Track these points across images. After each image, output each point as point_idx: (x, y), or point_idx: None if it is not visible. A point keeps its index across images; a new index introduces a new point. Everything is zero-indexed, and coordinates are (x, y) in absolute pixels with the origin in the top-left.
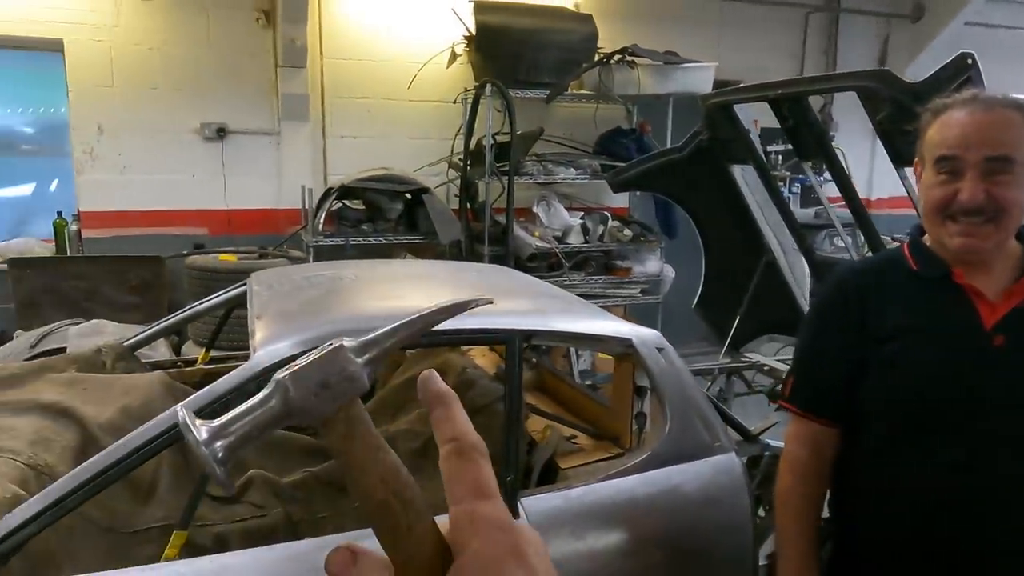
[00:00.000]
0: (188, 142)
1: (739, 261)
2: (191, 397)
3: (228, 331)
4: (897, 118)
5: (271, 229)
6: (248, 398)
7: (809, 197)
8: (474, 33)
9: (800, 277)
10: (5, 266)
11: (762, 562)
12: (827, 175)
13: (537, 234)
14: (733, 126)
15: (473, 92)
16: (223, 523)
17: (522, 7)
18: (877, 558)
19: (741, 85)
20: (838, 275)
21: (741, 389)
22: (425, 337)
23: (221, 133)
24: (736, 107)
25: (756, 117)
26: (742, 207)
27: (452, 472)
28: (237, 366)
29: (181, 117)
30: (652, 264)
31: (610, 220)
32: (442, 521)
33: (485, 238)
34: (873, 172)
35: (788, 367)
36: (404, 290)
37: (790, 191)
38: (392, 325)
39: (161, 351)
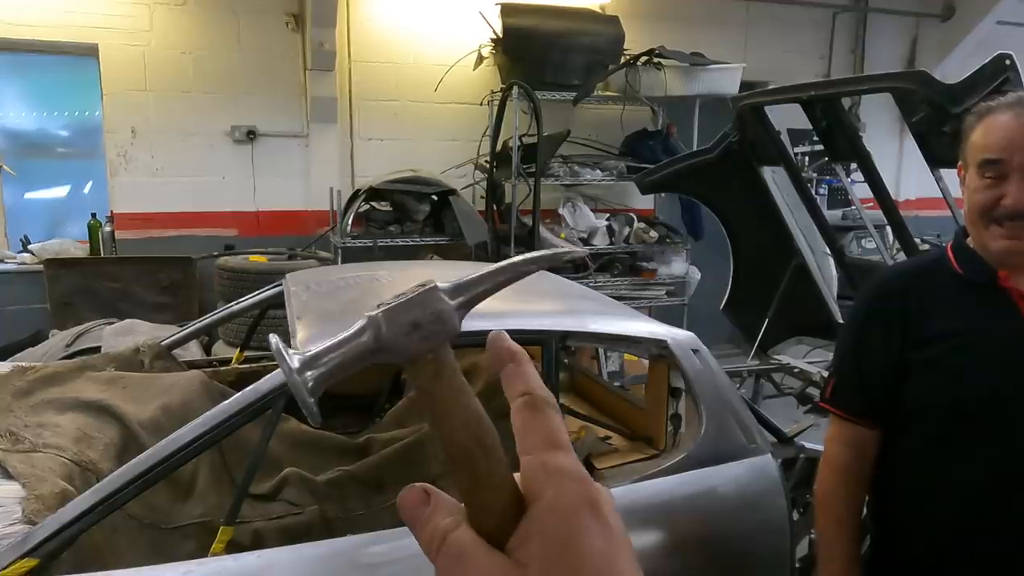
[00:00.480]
0: (219, 144)
1: (768, 263)
2: (237, 395)
3: (259, 332)
4: (933, 120)
5: (300, 230)
6: (290, 397)
7: (836, 199)
8: (501, 35)
9: (829, 279)
10: (41, 267)
11: (796, 565)
12: (854, 177)
13: (563, 236)
14: (764, 128)
15: (500, 94)
16: (260, 520)
17: (549, 9)
18: (919, 560)
19: (772, 87)
20: (881, 277)
21: (770, 391)
22: (462, 337)
23: (251, 136)
24: (767, 109)
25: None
26: (772, 209)
27: (524, 424)
28: (271, 365)
29: (212, 120)
30: (678, 266)
31: (636, 222)
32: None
33: (511, 239)
34: (900, 173)
35: (818, 369)
36: None
37: (817, 193)
38: (484, 271)
39: (192, 351)
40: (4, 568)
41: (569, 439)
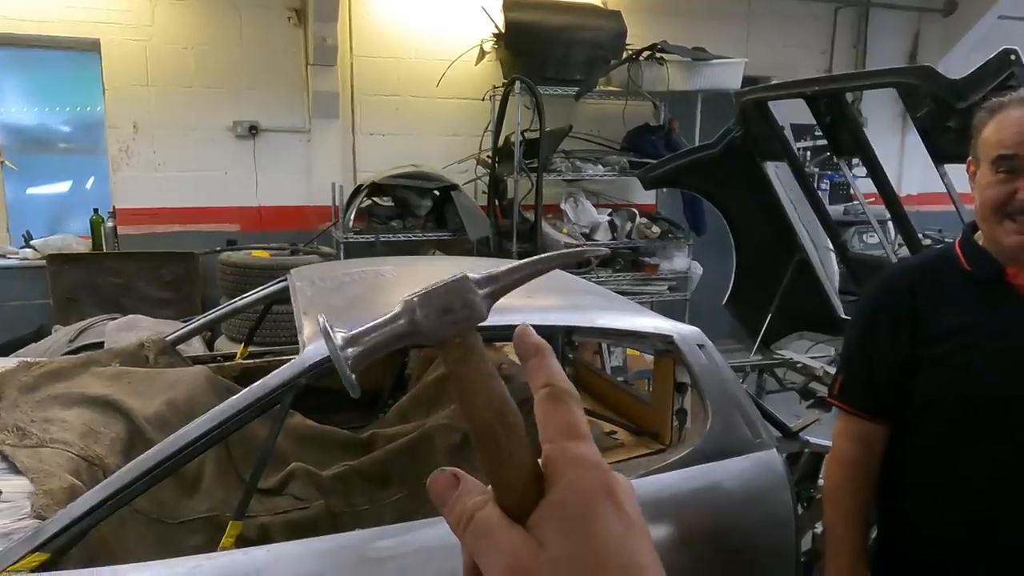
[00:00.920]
0: (221, 140)
1: (770, 258)
2: (245, 391)
3: (262, 327)
4: (938, 115)
5: (302, 226)
6: (297, 392)
7: (838, 194)
8: (503, 30)
9: (831, 275)
10: (44, 262)
11: (800, 559)
12: (856, 172)
13: (565, 231)
14: (768, 123)
15: (502, 89)
16: (267, 514)
17: (551, 4)
18: (926, 555)
19: (776, 82)
20: (888, 273)
21: (772, 386)
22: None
23: (253, 131)
24: (771, 104)
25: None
26: (775, 204)
27: (546, 414)
28: (276, 361)
29: (214, 115)
30: (680, 261)
31: (638, 217)
32: None
33: (514, 235)
34: (902, 168)
35: (820, 364)
36: None
37: (819, 188)
38: (512, 264)
39: (195, 346)
40: (15, 562)
41: (588, 429)
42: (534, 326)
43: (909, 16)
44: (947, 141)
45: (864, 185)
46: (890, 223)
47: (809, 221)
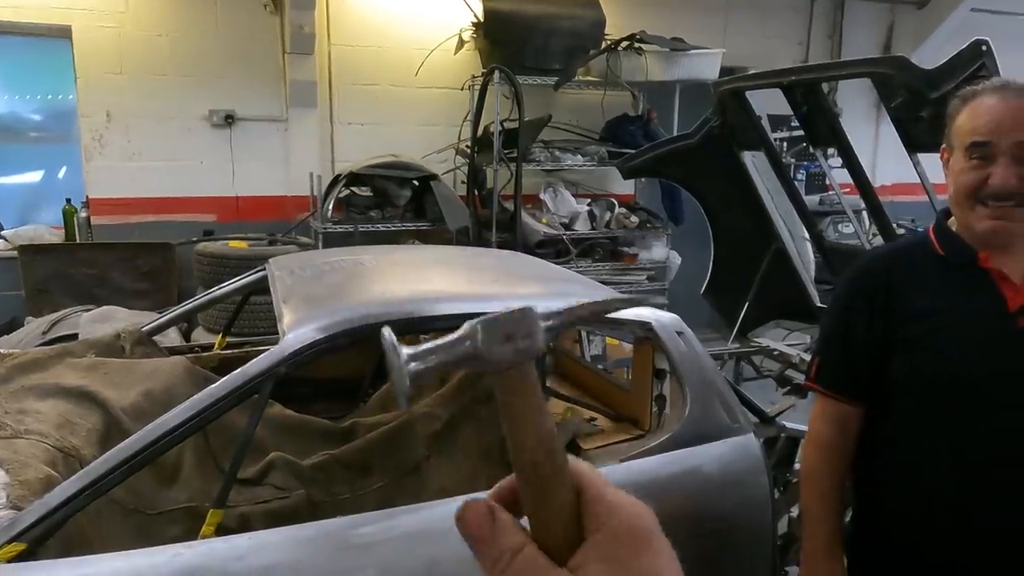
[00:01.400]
0: (196, 129)
1: (748, 247)
2: (224, 379)
3: (239, 317)
4: (911, 105)
5: (280, 216)
6: (277, 381)
7: (814, 184)
8: (482, 19)
9: (807, 264)
10: (15, 253)
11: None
12: (832, 163)
13: (544, 221)
14: (745, 113)
15: (481, 79)
16: (247, 504)
17: None
18: (900, 535)
19: (753, 72)
20: (865, 259)
21: (749, 374)
22: (451, 320)
23: (229, 120)
24: (748, 94)
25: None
26: (752, 194)
27: (575, 463)
28: (254, 351)
29: (189, 104)
30: (658, 251)
31: (616, 207)
32: None
33: (493, 225)
34: (876, 159)
35: (797, 352)
36: (425, 274)
37: (795, 178)
38: (571, 304)
39: (172, 337)
40: None
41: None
42: None
43: (883, 8)
44: (920, 130)
45: (839, 176)
46: (865, 213)
47: (785, 211)
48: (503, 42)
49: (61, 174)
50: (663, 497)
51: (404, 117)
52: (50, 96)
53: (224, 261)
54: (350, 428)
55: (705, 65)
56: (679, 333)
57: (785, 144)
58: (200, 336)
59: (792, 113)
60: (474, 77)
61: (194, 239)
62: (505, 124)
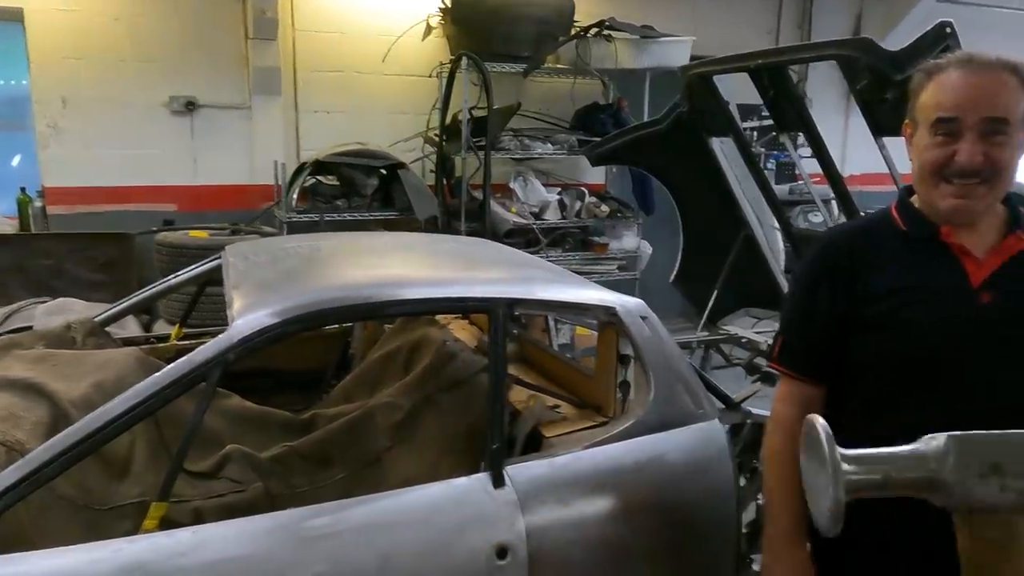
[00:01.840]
0: (156, 116)
1: (717, 235)
2: (170, 366)
3: (200, 308)
4: (877, 87)
5: (244, 205)
6: (225, 368)
7: (783, 174)
8: (449, 5)
9: (777, 252)
10: None
11: (743, 530)
12: (803, 152)
13: (514, 210)
14: (713, 98)
15: (449, 66)
16: (201, 498)
17: None
18: (863, 515)
19: (720, 56)
20: (827, 237)
21: (719, 362)
22: (413, 306)
23: (190, 107)
24: (716, 81)
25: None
26: (721, 181)
27: None
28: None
29: (149, 90)
30: (629, 240)
31: (587, 196)
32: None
33: (462, 214)
34: (846, 149)
35: (765, 339)
36: (382, 259)
37: (765, 167)
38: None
39: (131, 328)
40: None
41: None
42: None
43: None
44: (885, 113)
45: (809, 166)
46: (834, 203)
47: (754, 198)
48: (471, 28)
49: (15, 162)
50: (626, 485)
51: (371, 105)
52: (2, 82)
53: (184, 251)
54: (311, 420)
55: (675, 53)
56: (643, 318)
57: (755, 133)
58: (161, 328)
59: (761, 102)
60: (442, 64)
61: (154, 229)
62: (474, 112)
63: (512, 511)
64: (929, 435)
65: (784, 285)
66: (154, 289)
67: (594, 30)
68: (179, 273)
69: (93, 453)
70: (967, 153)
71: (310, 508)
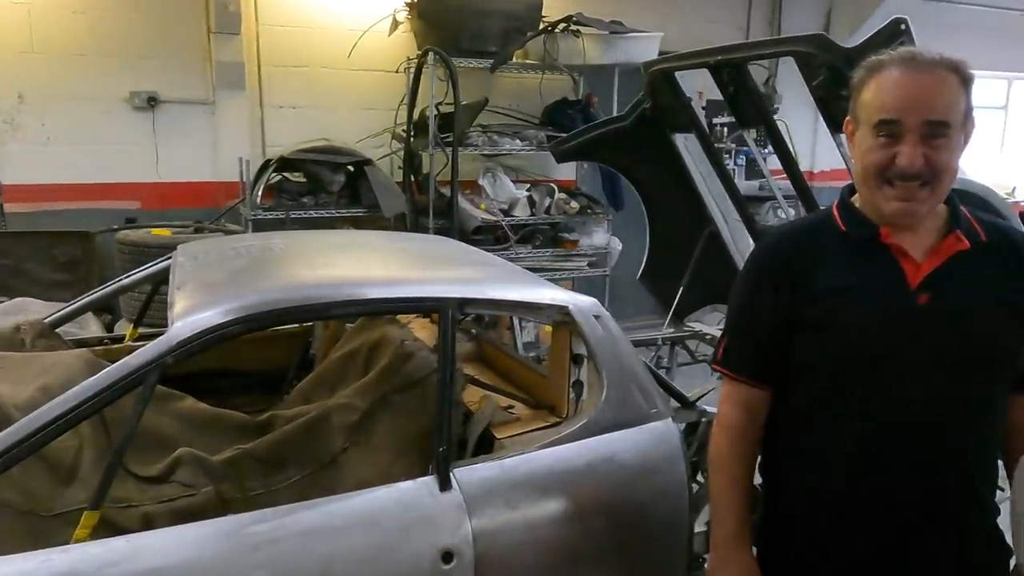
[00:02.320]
0: (117, 112)
1: (683, 231)
2: (105, 371)
3: (160, 307)
4: (833, 83)
5: (208, 203)
6: (164, 372)
7: (753, 170)
8: (416, 0)
9: (744, 248)
10: None
11: (700, 529)
12: (771, 148)
13: (483, 207)
14: (675, 94)
15: (415, 61)
16: (150, 503)
17: None
18: (808, 518)
19: (681, 52)
20: (769, 237)
21: (685, 359)
22: (359, 307)
23: (152, 102)
24: (680, 77)
25: (701, 89)
26: (685, 177)
27: None
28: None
29: (109, 85)
30: (599, 236)
31: (557, 192)
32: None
33: (430, 211)
34: (816, 144)
35: None
36: (333, 259)
37: (735, 163)
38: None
39: (92, 329)
40: None
41: None
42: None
43: None
44: (841, 110)
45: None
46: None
47: (719, 194)
48: (438, 23)
49: None
50: (577, 486)
51: (338, 100)
52: None
53: (146, 250)
54: (268, 421)
55: (643, 49)
56: (596, 316)
57: (726, 129)
58: (124, 328)
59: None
60: (409, 59)
61: (115, 227)
62: (441, 107)
63: (458, 514)
64: None
65: None
66: (107, 289)
67: (561, 25)
68: (132, 272)
69: (26, 459)
70: (908, 157)
71: (251, 514)
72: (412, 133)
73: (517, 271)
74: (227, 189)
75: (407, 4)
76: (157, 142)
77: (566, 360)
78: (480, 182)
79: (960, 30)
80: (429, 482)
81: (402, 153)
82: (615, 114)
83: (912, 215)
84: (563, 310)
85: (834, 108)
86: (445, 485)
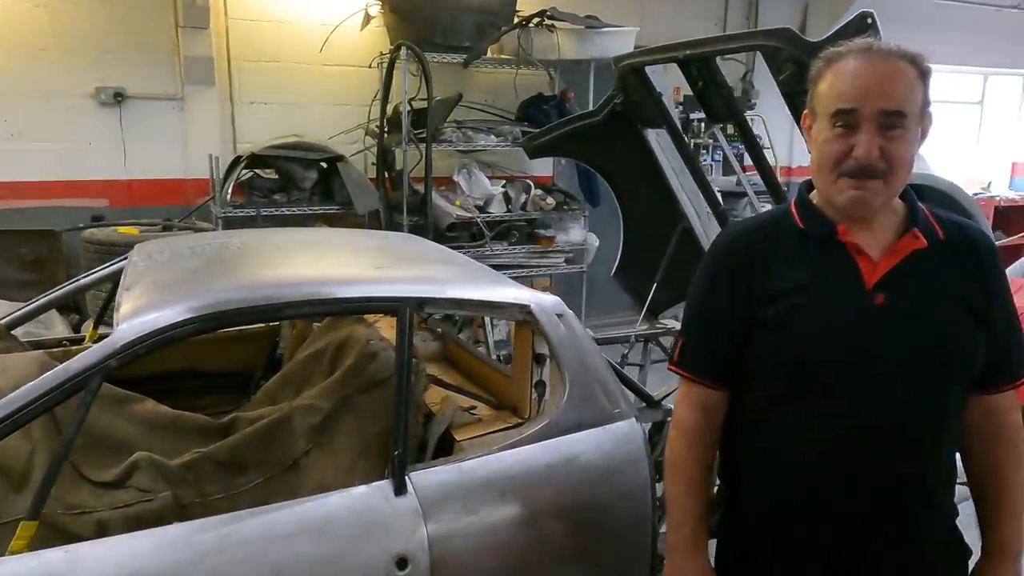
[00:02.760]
0: (83, 107)
1: (656, 227)
2: (45, 375)
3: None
4: (799, 77)
5: (178, 200)
6: (108, 375)
7: (730, 165)
8: None
9: None
10: None
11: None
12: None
13: (458, 203)
14: (646, 89)
15: (388, 56)
16: (105, 509)
17: None
18: (766, 520)
19: (651, 47)
20: (725, 235)
21: (659, 356)
22: (313, 307)
23: (119, 98)
24: (655, 73)
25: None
26: (658, 173)
27: None
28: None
29: (74, 81)
30: (576, 233)
31: (533, 188)
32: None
33: (404, 207)
34: (794, 140)
35: None
36: (292, 257)
37: (713, 159)
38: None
39: (58, 329)
40: None
41: None
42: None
43: None
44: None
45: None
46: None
47: (692, 190)
48: (410, 18)
49: None
50: (538, 489)
51: (310, 96)
52: None
53: (113, 248)
54: (230, 423)
55: (619, 44)
56: (559, 315)
57: (703, 125)
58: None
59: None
60: (382, 54)
61: (81, 225)
62: (414, 103)
63: (413, 519)
64: None
65: None
66: (65, 288)
67: (536, 20)
68: (92, 271)
69: None
70: (864, 146)
71: (197, 522)
72: (385, 129)
73: (481, 270)
74: (197, 186)
75: None
76: (125, 138)
77: (528, 360)
78: (455, 178)
79: (936, 26)
80: (384, 486)
81: (375, 149)
82: (591, 109)
83: (866, 205)
84: (525, 309)
85: (801, 103)
86: (400, 489)
